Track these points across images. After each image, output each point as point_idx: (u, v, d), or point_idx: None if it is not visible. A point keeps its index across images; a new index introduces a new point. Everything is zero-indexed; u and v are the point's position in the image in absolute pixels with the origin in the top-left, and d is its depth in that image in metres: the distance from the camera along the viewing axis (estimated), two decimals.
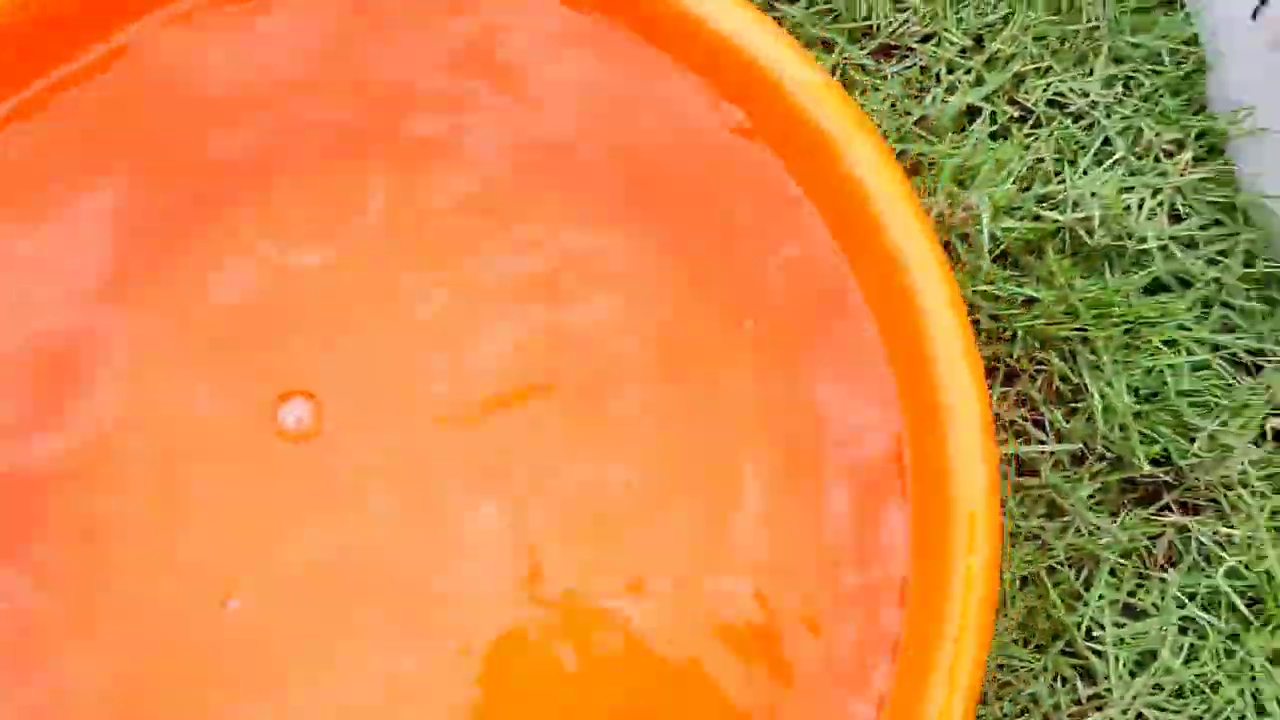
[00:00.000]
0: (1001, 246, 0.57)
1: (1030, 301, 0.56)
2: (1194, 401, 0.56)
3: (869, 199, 0.41)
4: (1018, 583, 0.57)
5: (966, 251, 0.56)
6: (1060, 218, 0.56)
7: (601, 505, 0.43)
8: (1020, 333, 0.56)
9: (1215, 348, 0.56)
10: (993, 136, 0.60)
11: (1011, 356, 0.57)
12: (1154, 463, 0.56)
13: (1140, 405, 0.56)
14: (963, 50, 0.60)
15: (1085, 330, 0.56)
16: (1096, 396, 0.55)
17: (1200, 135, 0.58)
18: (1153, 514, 0.56)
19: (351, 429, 0.44)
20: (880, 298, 0.43)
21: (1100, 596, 0.57)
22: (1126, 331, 0.56)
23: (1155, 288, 0.57)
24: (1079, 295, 0.55)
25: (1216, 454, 0.55)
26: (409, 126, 0.45)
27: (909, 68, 0.60)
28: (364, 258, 0.44)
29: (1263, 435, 0.56)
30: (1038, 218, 0.56)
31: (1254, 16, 0.55)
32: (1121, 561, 0.56)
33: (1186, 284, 0.57)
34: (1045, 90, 0.59)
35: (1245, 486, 0.55)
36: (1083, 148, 0.58)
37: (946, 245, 0.57)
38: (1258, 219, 0.56)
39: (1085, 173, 0.57)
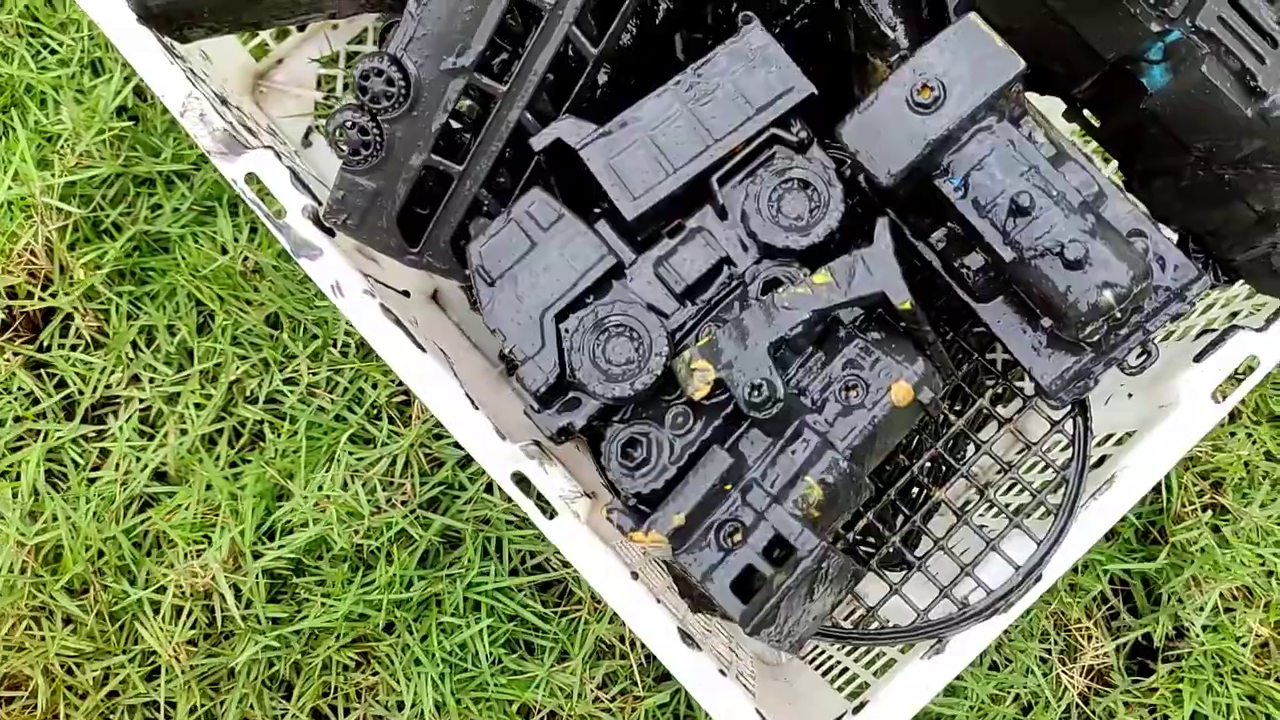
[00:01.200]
0: (270, 582, 0.52)
1: (318, 631, 0.52)
2: (522, 655, 0.52)
3: None
4: None
5: (223, 607, 0.51)
6: (309, 531, 0.52)
7: None
8: (332, 660, 0.52)
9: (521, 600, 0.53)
10: (249, 451, 0.54)
11: (342, 692, 0.52)
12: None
13: (466, 687, 0.52)
14: (181, 375, 0.55)
15: (390, 629, 0.52)
16: (414, 696, 0.51)
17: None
18: None
19: None
20: None
21: None
22: (428, 611, 0.52)
23: (430, 557, 0.53)
24: (351, 606, 0.51)
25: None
26: None
27: (129, 419, 0.55)
28: None
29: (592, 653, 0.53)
30: (286, 544, 0.52)
31: None
32: None
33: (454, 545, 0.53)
34: (268, 387, 0.54)
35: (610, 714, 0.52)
36: (309, 449, 0.53)
37: (213, 610, 0.52)
38: None
39: (326, 467, 0.53)
